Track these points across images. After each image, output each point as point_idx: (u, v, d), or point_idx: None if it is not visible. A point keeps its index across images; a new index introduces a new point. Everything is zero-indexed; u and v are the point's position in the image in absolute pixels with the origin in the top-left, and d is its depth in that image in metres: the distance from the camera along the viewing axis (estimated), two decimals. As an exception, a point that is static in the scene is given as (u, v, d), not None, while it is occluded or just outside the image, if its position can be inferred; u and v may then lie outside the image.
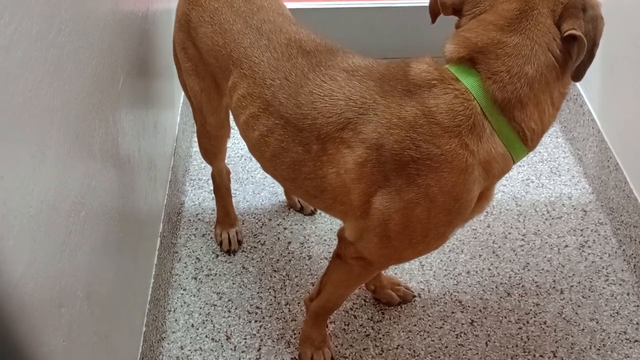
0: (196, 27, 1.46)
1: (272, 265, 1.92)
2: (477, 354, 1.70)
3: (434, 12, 1.22)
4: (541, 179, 2.22)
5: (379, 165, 1.14)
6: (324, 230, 2.02)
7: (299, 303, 1.81)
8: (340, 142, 1.18)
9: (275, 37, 1.33)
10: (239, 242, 1.97)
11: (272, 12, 1.39)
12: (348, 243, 1.32)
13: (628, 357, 1.69)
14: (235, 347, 1.71)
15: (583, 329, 1.75)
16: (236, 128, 1.86)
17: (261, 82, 1.30)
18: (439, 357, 1.69)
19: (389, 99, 1.14)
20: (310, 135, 1.22)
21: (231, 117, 1.85)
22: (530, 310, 1.80)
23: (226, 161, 2.22)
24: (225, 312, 1.79)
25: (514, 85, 1.06)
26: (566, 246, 1.99)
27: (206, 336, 1.73)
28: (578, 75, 1.06)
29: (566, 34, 1.03)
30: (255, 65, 1.31)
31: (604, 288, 1.86)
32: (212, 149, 1.77)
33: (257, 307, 1.80)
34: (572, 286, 1.87)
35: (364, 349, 1.71)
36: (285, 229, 2.04)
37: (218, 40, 1.40)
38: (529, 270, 1.91)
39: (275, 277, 1.89)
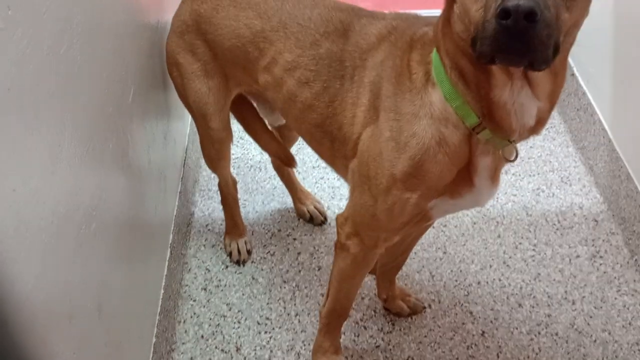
0: (210, 17, 1.50)
1: (281, 276, 1.92)
2: (488, 365, 1.69)
3: None
4: (552, 189, 2.21)
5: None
6: (333, 240, 2.02)
7: (308, 314, 1.81)
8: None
9: None
10: (248, 252, 1.97)
11: None
12: (343, 220, 1.37)
13: (641, 368, 1.67)
14: (245, 358, 1.70)
15: (595, 340, 1.74)
16: (240, 133, 1.87)
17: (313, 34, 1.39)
18: (450, 368, 1.68)
19: None
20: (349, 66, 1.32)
21: (235, 124, 1.86)
22: (542, 321, 1.79)
23: (236, 172, 2.23)
24: (235, 323, 1.79)
25: None
26: (577, 256, 1.97)
27: (216, 347, 1.73)
28: None
29: None
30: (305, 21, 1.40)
31: (616, 299, 1.85)
32: (216, 155, 1.78)
33: (267, 318, 1.80)
34: (583, 297, 1.85)
35: (374, 360, 1.70)
36: (294, 239, 2.04)
37: (247, 14, 1.45)
38: (540, 280, 1.90)
39: (284, 288, 1.89)
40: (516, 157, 1.17)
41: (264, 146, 1.85)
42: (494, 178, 1.22)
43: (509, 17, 0.86)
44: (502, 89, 1.04)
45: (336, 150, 1.38)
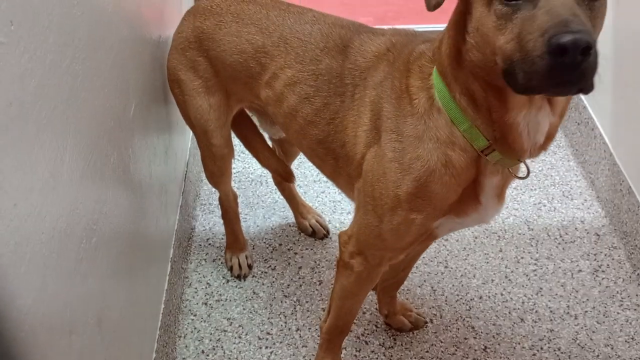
0: (213, 34, 1.51)
1: (282, 291, 1.91)
2: (491, 380, 1.67)
3: None
4: (553, 203, 2.21)
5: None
6: (334, 255, 2.02)
7: (309, 329, 1.80)
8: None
9: (320, 15, 1.45)
10: (249, 267, 1.97)
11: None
12: (347, 238, 1.36)
13: (645, 384, 1.66)
14: (245, 373, 1.69)
15: (598, 355, 1.73)
16: (241, 147, 1.87)
17: (312, 51, 1.40)
18: (452, 384, 1.67)
19: None
20: (349, 84, 1.33)
21: (236, 138, 1.87)
22: (544, 336, 1.78)
23: (237, 186, 2.23)
24: (235, 338, 1.78)
25: None
26: (580, 271, 1.97)
27: (216, 362, 1.72)
28: None
29: None
30: (305, 36, 1.41)
31: (618, 313, 1.84)
32: (218, 171, 1.78)
33: (268, 333, 1.79)
34: (586, 311, 1.84)
35: (375, 376, 1.69)
36: (295, 253, 2.04)
37: (249, 30, 1.47)
38: (542, 295, 1.89)
39: (285, 302, 1.88)
40: (528, 174, 1.18)
41: (263, 162, 1.86)
42: (500, 196, 1.22)
43: (566, 53, 0.84)
44: (519, 110, 1.04)
45: (340, 168, 1.38)
